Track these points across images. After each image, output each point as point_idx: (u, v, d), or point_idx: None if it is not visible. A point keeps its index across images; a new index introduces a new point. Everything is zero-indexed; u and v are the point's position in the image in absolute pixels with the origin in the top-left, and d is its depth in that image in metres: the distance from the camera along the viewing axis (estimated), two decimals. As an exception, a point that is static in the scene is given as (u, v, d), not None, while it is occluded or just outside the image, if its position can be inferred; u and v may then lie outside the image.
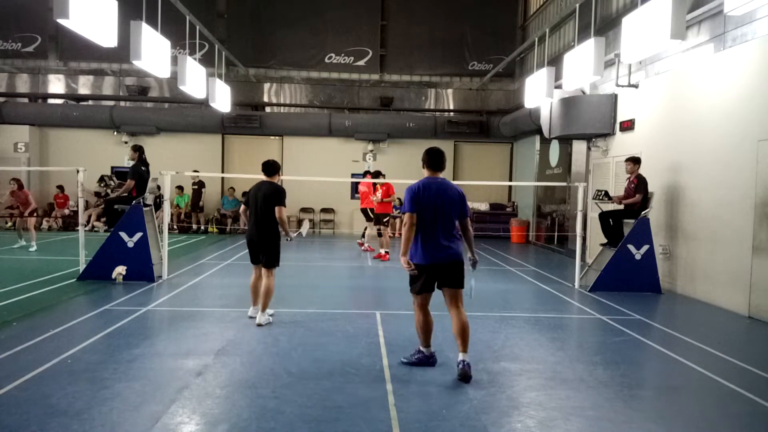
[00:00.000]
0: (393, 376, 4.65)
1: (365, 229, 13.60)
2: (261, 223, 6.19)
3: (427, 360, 4.85)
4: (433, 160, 4.77)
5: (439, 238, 4.58)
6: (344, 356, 5.15)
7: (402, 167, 17.66)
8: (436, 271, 4.64)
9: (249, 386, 4.35)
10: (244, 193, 6.51)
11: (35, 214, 12.93)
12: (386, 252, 11.88)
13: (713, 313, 7.55)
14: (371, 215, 12.66)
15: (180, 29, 11.52)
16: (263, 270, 6.30)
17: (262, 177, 6.44)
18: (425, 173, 4.82)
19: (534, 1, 17.18)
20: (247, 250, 6.47)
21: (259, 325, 6.14)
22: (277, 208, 6.20)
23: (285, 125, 18.04)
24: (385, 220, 12.25)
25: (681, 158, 8.87)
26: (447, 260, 4.61)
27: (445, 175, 4.85)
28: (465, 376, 4.49)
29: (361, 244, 13.53)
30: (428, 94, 18.82)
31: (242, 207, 6.54)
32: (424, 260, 4.61)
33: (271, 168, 6.44)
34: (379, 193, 12.21)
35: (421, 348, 4.88)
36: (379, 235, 12.16)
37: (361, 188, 13.04)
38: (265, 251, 6.24)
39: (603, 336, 6.28)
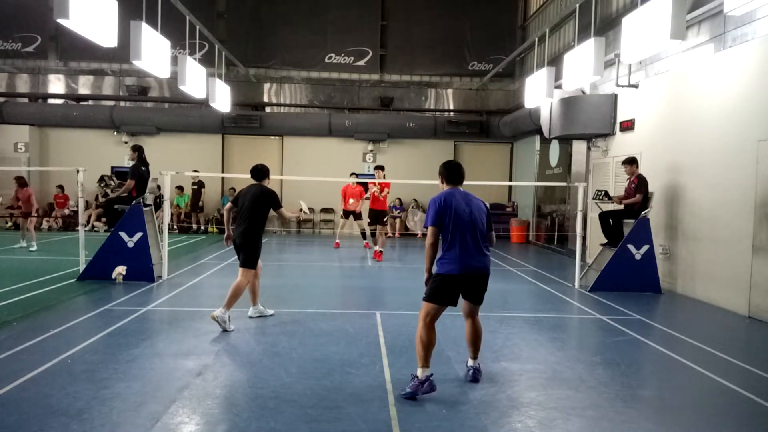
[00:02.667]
0: (393, 376, 4.65)
1: (362, 230, 13.65)
2: (244, 225, 6.09)
3: (420, 386, 4.18)
4: (452, 173, 4.60)
5: (474, 247, 4.33)
6: (344, 356, 5.15)
7: (402, 167, 17.68)
8: (466, 282, 4.37)
9: (249, 386, 4.35)
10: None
11: (35, 214, 12.90)
12: (380, 251, 11.90)
13: (713, 313, 7.55)
14: (351, 215, 13.12)
15: (180, 29, 11.51)
16: (239, 269, 6.12)
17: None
18: (443, 187, 4.61)
19: (534, 1, 17.18)
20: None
21: (213, 318, 5.84)
22: (278, 212, 6.31)
23: (285, 125, 18.04)
24: (384, 219, 12.24)
25: (681, 158, 8.87)
26: (480, 272, 4.38)
27: None
28: (475, 380, 4.57)
29: (368, 246, 13.57)
30: (428, 94, 18.82)
31: (228, 204, 6.38)
32: (456, 270, 4.29)
33: (259, 173, 6.37)
34: (376, 188, 12.09)
35: (418, 372, 4.26)
36: (373, 234, 12.20)
37: (350, 190, 13.10)
38: (243, 251, 6.10)
39: (603, 336, 6.28)
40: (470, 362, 4.66)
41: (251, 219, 6.10)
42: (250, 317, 6.52)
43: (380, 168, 12.12)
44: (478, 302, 4.55)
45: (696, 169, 8.49)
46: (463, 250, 4.29)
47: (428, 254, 4.36)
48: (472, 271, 4.34)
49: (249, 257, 6.10)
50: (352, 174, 13.96)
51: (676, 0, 6.58)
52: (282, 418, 3.76)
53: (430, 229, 4.37)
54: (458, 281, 4.33)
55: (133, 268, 8.39)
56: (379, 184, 12.05)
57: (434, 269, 4.40)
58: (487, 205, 4.61)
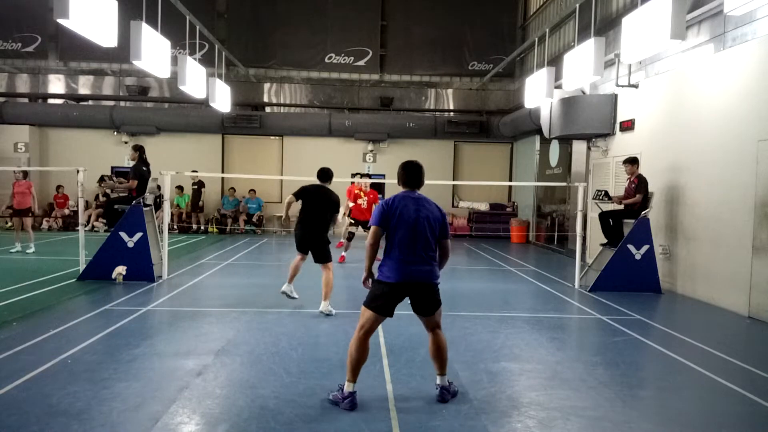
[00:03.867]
0: (393, 376, 4.65)
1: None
2: (315, 224, 6.80)
3: (341, 401, 4.00)
4: (410, 176, 4.24)
5: (415, 256, 4.06)
6: (344, 356, 5.11)
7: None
8: (406, 292, 4.11)
9: (249, 386, 4.35)
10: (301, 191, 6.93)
11: (32, 214, 12.34)
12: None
13: (713, 313, 7.55)
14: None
15: (180, 29, 11.51)
16: (321, 266, 6.82)
17: (261, 176, 6.60)
18: (401, 189, 4.29)
19: (534, 1, 17.18)
20: (296, 242, 6.99)
21: (321, 312, 6.64)
22: (334, 216, 7.01)
23: (285, 125, 18.04)
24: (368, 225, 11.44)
25: (681, 158, 8.87)
26: (421, 280, 4.07)
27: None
28: (443, 401, 4.14)
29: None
30: (428, 94, 18.82)
31: (291, 197, 6.90)
32: (394, 278, 4.05)
33: (326, 175, 7.06)
34: (363, 200, 11.17)
35: (345, 383, 4.07)
36: (350, 238, 11.35)
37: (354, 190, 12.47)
38: (318, 248, 6.81)
39: (603, 336, 6.28)
40: (438, 380, 4.23)
41: (322, 220, 6.81)
42: (282, 292, 7.04)
43: (368, 176, 11.39)
44: (428, 314, 4.18)
45: (696, 168, 8.49)
46: (401, 257, 4.05)
47: (368, 254, 4.18)
48: (411, 280, 4.06)
49: (326, 253, 6.83)
50: (359, 174, 13.62)
51: (676, 0, 6.59)
52: (282, 418, 3.76)
53: (372, 229, 4.17)
54: (396, 290, 4.08)
55: (133, 268, 8.38)
56: (368, 196, 11.24)
57: (375, 275, 4.19)
58: (443, 212, 4.27)
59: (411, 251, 4.06)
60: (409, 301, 4.21)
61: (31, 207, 11.84)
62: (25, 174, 11.98)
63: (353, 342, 4.12)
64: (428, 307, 4.17)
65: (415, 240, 4.07)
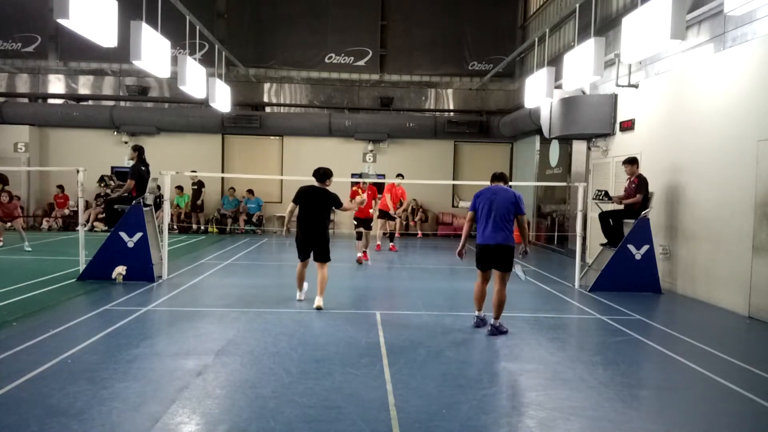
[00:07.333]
0: (393, 376, 4.64)
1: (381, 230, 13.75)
2: (314, 226, 7.02)
3: (475, 322, 6.32)
4: (493, 176, 6.44)
5: (490, 227, 6.02)
6: (344, 356, 5.15)
7: (402, 167, 17.65)
8: (487, 252, 6.04)
9: (249, 386, 4.35)
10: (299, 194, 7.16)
11: (18, 214, 12.54)
12: (365, 251, 11.46)
13: (713, 313, 7.55)
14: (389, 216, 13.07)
15: (180, 29, 11.51)
16: (317, 264, 7.08)
17: (261, 176, 6.67)
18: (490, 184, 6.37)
19: (534, 1, 17.17)
20: (296, 248, 7.18)
21: (319, 308, 6.90)
22: (341, 210, 7.37)
23: (285, 125, 18.04)
24: (370, 224, 11.63)
25: (681, 158, 8.87)
26: (493, 243, 5.98)
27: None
28: (492, 334, 5.93)
29: (393, 248, 13.71)
30: (428, 94, 18.81)
31: (292, 205, 7.15)
32: (479, 240, 6.09)
33: (323, 175, 7.17)
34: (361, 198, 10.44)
35: (476, 313, 6.34)
36: (359, 238, 11.41)
37: (392, 190, 13.04)
38: (319, 248, 7.05)
39: (603, 336, 6.28)
40: (492, 320, 6.03)
41: (320, 219, 7.06)
42: (299, 300, 7.36)
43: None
44: (499, 268, 6.04)
45: (696, 169, 8.49)
46: (481, 228, 6.10)
47: (463, 230, 6.34)
48: (487, 242, 6.03)
49: (326, 253, 7.10)
50: (398, 175, 13.74)
51: (676, 0, 6.59)
52: (282, 418, 3.76)
53: (468, 214, 6.29)
54: (481, 250, 6.09)
55: (133, 268, 8.38)
56: (365, 192, 11.31)
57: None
58: (518, 196, 6.12)
59: (488, 224, 6.04)
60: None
61: (16, 216, 12.29)
62: (11, 196, 12.22)
63: (475, 286, 6.35)
64: (500, 263, 6.05)
65: (491, 216, 6.02)
